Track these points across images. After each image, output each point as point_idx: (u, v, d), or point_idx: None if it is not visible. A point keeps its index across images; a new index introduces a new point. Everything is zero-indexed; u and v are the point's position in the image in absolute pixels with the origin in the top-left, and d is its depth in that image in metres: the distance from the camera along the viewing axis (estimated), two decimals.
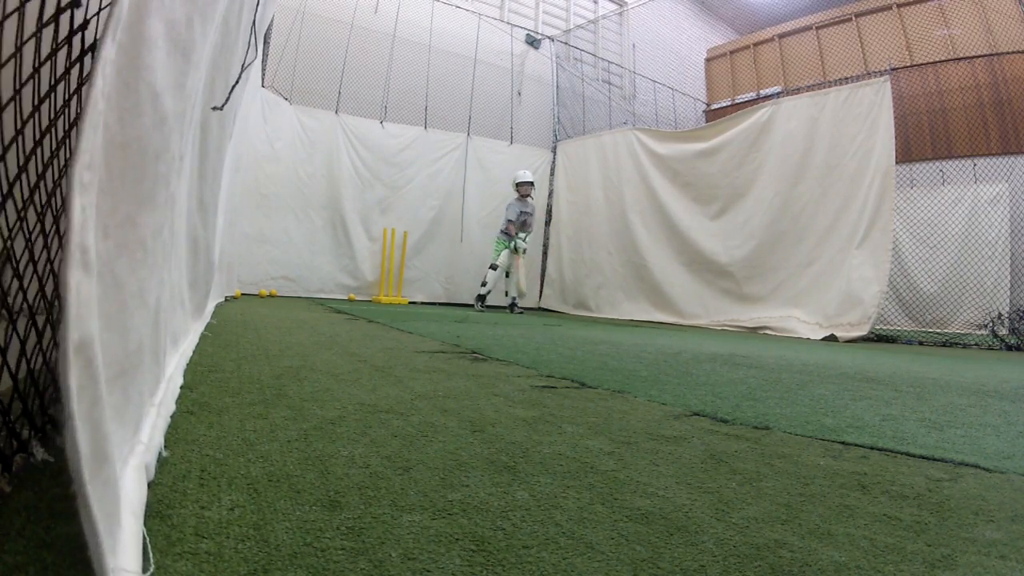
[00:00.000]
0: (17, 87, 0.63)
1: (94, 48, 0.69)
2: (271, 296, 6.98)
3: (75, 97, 0.72)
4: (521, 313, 7.16)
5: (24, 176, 0.65)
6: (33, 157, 0.70)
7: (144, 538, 0.58)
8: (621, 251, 7.76)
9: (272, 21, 6.37)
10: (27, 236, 0.68)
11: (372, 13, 8.23)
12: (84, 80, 0.70)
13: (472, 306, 7.52)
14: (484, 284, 7.43)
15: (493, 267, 7.35)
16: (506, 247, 7.36)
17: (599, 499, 0.86)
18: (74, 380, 0.38)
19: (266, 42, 6.72)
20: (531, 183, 7.64)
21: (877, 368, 2.94)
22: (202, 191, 1.83)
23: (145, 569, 0.54)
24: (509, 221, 7.44)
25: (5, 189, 0.63)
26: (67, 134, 0.73)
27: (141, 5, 0.61)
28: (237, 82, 1.68)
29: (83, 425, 0.40)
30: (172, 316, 1.35)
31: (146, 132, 0.66)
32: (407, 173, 8.00)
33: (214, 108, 1.43)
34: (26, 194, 0.66)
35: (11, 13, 0.62)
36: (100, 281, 0.57)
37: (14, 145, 0.63)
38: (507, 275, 7.45)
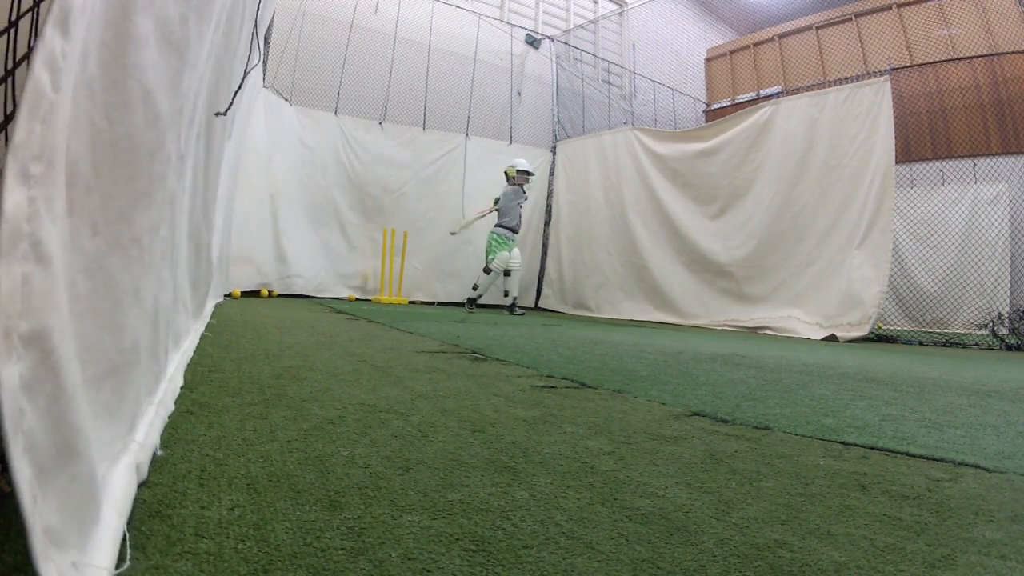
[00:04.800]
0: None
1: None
2: (271, 296, 6.97)
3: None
4: (522, 314, 6.76)
5: None
6: None
7: (124, 535, 0.58)
8: (621, 251, 7.75)
9: (272, 21, 6.37)
10: None
11: (372, 13, 8.23)
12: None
13: (462, 306, 7.17)
14: (476, 287, 6.95)
15: (487, 271, 6.86)
16: (507, 247, 6.84)
17: (599, 499, 0.86)
18: (14, 372, 0.38)
19: (266, 42, 6.71)
20: (530, 172, 7.14)
21: (877, 368, 2.94)
22: (205, 191, 1.83)
23: (119, 566, 0.54)
24: (518, 217, 6.97)
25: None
26: None
27: (127, 2, 0.61)
28: (240, 86, 1.68)
29: (40, 419, 0.41)
30: (174, 315, 1.35)
31: (137, 130, 0.66)
32: (406, 173, 7.99)
33: (217, 114, 1.42)
34: None
35: (27, 12, 0.62)
36: (89, 277, 0.57)
37: None
38: (508, 274, 6.90)
